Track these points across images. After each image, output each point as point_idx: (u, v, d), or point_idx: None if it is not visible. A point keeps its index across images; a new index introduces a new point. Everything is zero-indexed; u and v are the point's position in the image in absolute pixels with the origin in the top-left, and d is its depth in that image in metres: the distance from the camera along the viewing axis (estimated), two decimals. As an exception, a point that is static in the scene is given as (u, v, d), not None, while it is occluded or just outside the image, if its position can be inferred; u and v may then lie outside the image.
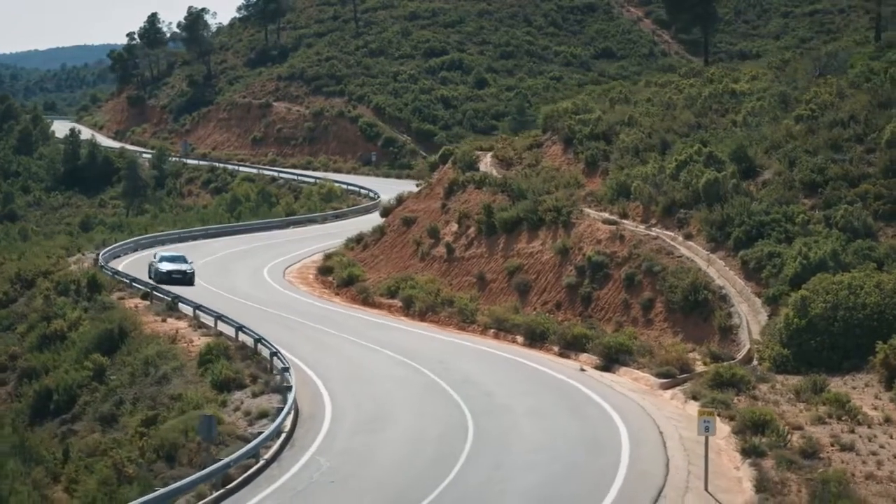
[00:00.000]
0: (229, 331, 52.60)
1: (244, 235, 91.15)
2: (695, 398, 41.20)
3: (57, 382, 51.90)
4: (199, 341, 52.17)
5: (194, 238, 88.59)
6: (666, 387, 43.87)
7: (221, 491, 32.08)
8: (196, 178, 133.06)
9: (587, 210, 60.48)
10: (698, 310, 49.91)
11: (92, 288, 62.36)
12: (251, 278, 72.48)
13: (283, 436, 36.99)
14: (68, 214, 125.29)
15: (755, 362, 45.52)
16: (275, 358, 46.20)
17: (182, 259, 70.06)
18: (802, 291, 44.66)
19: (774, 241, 51.08)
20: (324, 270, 73.66)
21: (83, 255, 78.17)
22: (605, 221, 58.18)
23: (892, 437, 35.57)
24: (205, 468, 32.60)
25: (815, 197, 53.84)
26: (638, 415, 39.38)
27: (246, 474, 33.51)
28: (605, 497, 30.35)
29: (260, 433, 36.62)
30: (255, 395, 43.20)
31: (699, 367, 45.20)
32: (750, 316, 48.69)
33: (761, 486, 31.46)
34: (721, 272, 51.54)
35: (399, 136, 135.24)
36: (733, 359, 45.68)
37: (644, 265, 53.40)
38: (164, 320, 56.86)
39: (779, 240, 51.08)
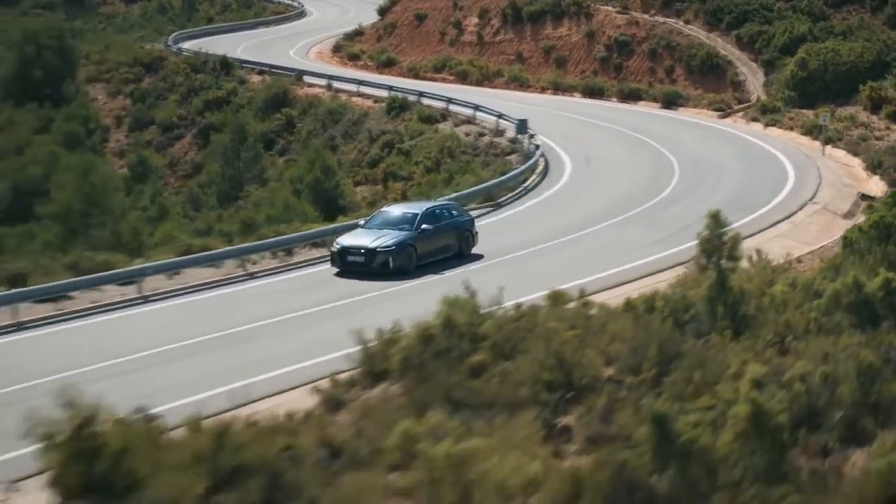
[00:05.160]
0: (374, 92, 71.49)
1: (237, 34, 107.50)
2: (754, 120, 63.24)
3: (252, 131, 69.84)
4: (357, 98, 71.20)
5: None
6: (722, 116, 65.82)
7: (541, 169, 51.86)
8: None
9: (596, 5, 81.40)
10: (713, 71, 71.93)
11: (224, 66, 79.63)
12: (291, 59, 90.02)
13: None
14: None
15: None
16: (450, 104, 65.67)
17: None
18: (801, 54, 67.04)
19: (758, 23, 73.33)
20: (351, 56, 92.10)
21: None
22: (619, 11, 79.25)
23: (899, 133, 58.35)
24: (530, 157, 52.13)
25: (778, -8, 76.39)
26: (734, 128, 61.22)
27: (542, 165, 52.96)
28: (788, 166, 51.45)
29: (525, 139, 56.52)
30: (456, 125, 62.85)
31: (735, 106, 67.36)
32: (750, 75, 71.03)
33: (854, 150, 53.58)
34: (722, 46, 73.55)
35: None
36: (750, 101, 68.00)
37: (662, 42, 74.90)
38: (301, 88, 75.24)
39: (761, 22, 73.35)
